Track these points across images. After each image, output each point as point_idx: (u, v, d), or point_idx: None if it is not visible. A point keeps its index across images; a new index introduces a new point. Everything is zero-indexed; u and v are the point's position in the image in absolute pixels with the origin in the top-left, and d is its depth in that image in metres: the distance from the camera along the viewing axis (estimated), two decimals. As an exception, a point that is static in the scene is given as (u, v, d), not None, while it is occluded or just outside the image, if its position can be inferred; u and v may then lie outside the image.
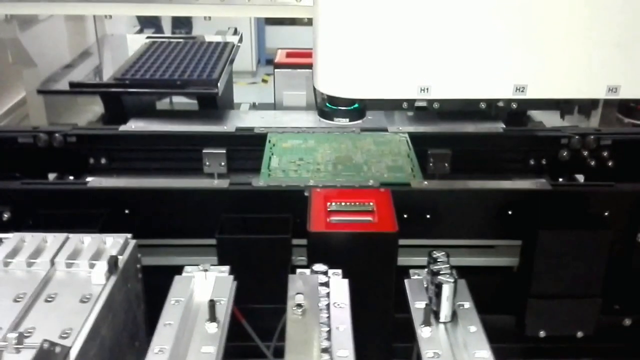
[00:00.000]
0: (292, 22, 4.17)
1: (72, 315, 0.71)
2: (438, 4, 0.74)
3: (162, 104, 1.94)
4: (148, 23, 3.36)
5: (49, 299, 0.74)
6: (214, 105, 1.58)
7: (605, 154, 1.24)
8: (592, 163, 1.24)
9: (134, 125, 1.30)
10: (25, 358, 0.60)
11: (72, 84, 1.45)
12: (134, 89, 1.42)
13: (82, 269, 0.79)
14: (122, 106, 1.56)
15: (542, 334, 1.02)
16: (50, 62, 1.74)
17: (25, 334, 0.66)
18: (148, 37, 1.83)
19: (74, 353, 0.66)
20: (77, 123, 1.50)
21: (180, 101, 1.97)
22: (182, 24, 3.98)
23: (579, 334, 1.03)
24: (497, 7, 0.74)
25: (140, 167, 1.21)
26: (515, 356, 1.06)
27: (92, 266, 0.78)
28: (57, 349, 0.64)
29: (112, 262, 0.78)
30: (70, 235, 0.84)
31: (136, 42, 1.86)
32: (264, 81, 4.61)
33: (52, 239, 0.83)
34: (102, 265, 0.77)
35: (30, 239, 0.83)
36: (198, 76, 1.45)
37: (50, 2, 0.97)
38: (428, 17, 0.75)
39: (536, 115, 1.68)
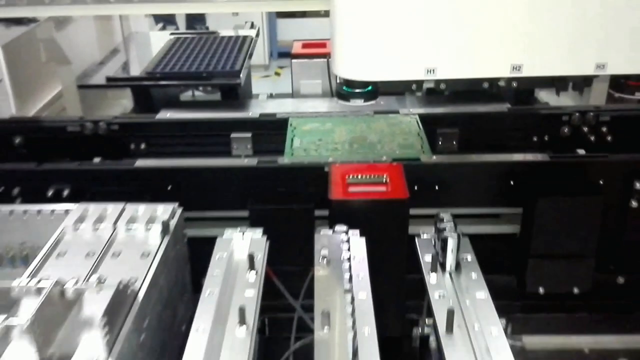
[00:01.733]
0: (303, 14, 4.28)
1: (136, 267, 0.84)
2: None
3: (184, 96, 2.07)
4: (164, 20, 3.50)
5: (114, 255, 0.88)
6: (235, 95, 1.70)
7: (604, 129, 1.33)
8: (592, 138, 1.34)
9: (163, 115, 1.43)
10: (105, 297, 0.74)
11: (108, 79, 1.59)
12: (165, 82, 1.56)
13: (139, 232, 0.92)
14: (151, 98, 1.70)
15: (541, 291, 1.13)
16: (82, 59, 1.89)
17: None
18: (172, 34, 1.97)
19: (140, 296, 0.79)
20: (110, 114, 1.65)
21: (201, 93, 2.11)
22: (197, 20, 4.12)
23: (576, 291, 1.13)
24: None
25: (174, 151, 1.34)
26: (517, 312, 1.17)
27: (147, 229, 0.92)
28: (129, 291, 0.77)
29: (165, 225, 0.91)
30: (126, 205, 0.97)
31: (159, 38, 2.00)
32: (277, 74, 4.72)
33: (112, 208, 0.96)
34: (157, 228, 0.91)
35: (93, 209, 0.96)
36: (222, 68, 1.58)
37: (83, 4, 1.07)
38: (433, 5, 0.85)
39: (543, 97, 1.77)
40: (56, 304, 0.74)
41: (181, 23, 4.08)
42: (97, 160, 1.34)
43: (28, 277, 0.83)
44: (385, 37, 0.88)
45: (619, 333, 1.14)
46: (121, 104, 2.07)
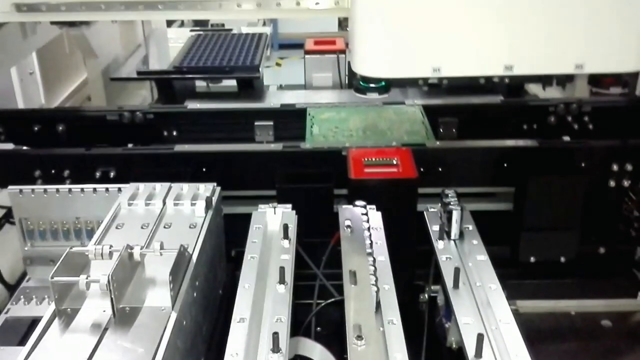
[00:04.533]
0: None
1: (186, 236, 0.99)
2: (446, 9, 0.98)
3: (199, 88, 2.21)
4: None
5: (166, 226, 1.02)
6: (251, 87, 1.84)
7: (585, 118, 1.49)
8: (575, 126, 1.50)
9: (193, 105, 1.56)
10: (170, 258, 0.88)
11: (139, 72, 1.72)
12: (192, 75, 1.69)
13: (185, 207, 1.06)
14: (174, 90, 1.84)
15: (532, 259, 1.28)
16: (108, 53, 2.01)
17: (160, 247, 0.93)
18: (192, 31, 2.09)
19: (194, 260, 0.94)
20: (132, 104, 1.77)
21: (215, 85, 2.24)
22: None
23: (562, 260, 1.28)
24: (488, 9, 0.98)
25: (203, 138, 1.47)
26: (511, 279, 1.31)
27: (193, 204, 1.06)
28: (186, 254, 0.92)
29: (209, 201, 1.06)
30: (172, 184, 1.11)
31: (176, 35, 2.13)
32: (278, 65, 4.85)
33: (160, 187, 1.10)
34: (202, 203, 1.05)
35: (143, 187, 1.10)
36: (242, 63, 1.71)
37: (133, 10, 1.19)
38: (438, 15, 0.99)
39: (532, 88, 1.92)
40: (126, 264, 0.89)
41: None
42: (130, 146, 1.47)
43: (94, 244, 0.97)
44: (398, 41, 1.01)
45: (601, 297, 1.28)
46: (141, 94, 2.21)
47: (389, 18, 0.99)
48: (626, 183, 1.29)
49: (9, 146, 1.43)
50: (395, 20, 0.99)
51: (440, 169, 1.30)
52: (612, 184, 1.29)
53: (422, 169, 1.26)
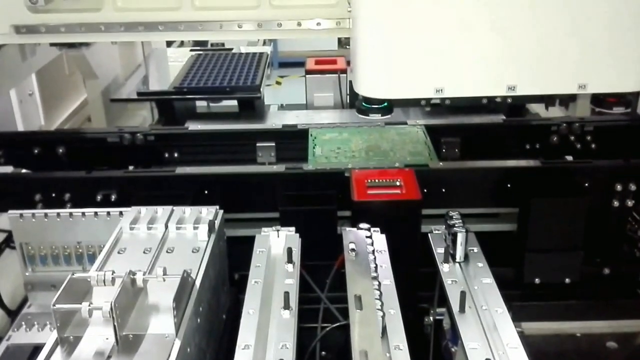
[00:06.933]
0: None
1: (189, 261, 0.97)
2: (448, 30, 0.99)
3: (200, 108, 2.21)
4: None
5: (169, 251, 1.01)
6: (252, 107, 1.85)
7: (588, 138, 1.49)
8: (578, 146, 1.50)
9: (194, 126, 1.56)
10: (173, 284, 0.87)
11: (139, 93, 1.72)
12: (192, 96, 1.69)
13: (188, 230, 1.05)
14: (174, 110, 1.84)
15: (537, 281, 1.27)
16: (107, 74, 2.02)
17: (163, 272, 0.92)
18: (192, 50, 2.11)
19: (197, 285, 0.93)
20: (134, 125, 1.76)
21: (215, 105, 2.25)
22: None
23: (567, 281, 1.27)
24: (491, 29, 0.99)
25: (204, 159, 1.47)
26: (516, 300, 1.30)
27: (195, 228, 1.05)
28: (190, 279, 0.91)
29: (211, 225, 1.05)
30: (174, 207, 1.10)
31: (175, 55, 2.14)
32: (278, 83, 4.89)
33: (162, 211, 1.09)
34: (205, 227, 1.04)
35: (145, 211, 1.09)
36: (243, 83, 1.72)
37: (108, 32, 1.18)
38: (441, 36, 1.00)
39: (534, 107, 1.94)
40: (129, 291, 0.87)
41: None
42: (130, 168, 1.47)
43: (97, 270, 0.95)
44: (400, 62, 1.01)
45: (606, 319, 1.27)
46: (141, 115, 2.21)
47: (391, 39, 0.99)
48: (630, 203, 1.29)
49: (9, 169, 1.42)
50: (397, 41, 1.00)
51: (443, 190, 1.30)
52: (615, 204, 1.29)
53: (425, 190, 1.26)
